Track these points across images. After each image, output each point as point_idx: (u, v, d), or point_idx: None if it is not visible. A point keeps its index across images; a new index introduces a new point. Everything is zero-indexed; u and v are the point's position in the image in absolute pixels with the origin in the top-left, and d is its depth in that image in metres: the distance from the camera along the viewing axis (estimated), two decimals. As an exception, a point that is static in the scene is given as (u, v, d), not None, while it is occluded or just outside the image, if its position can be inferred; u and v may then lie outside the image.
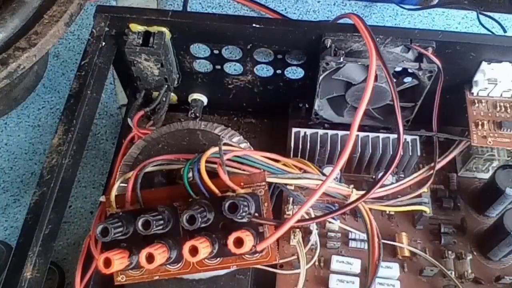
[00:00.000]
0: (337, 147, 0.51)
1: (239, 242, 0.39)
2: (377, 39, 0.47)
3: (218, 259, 0.42)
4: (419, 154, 0.51)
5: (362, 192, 0.46)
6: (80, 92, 0.47)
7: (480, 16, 0.73)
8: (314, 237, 0.49)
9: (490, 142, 0.49)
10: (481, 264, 0.50)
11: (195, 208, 0.40)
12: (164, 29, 0.50)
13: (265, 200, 0.42)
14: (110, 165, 0.58)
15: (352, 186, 0.47)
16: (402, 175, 0.52)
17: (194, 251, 0.39)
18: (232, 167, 0.44)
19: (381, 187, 0.47)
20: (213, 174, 0.43)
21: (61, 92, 0.70)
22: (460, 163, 0.55)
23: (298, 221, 0.42)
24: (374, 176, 0.51)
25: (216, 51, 0.53)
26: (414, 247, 0.50)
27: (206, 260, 0.42)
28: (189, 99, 0.59)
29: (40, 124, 0.67)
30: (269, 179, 0.44)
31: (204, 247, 0.39)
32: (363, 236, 0.50)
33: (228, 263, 0.42)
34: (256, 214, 0.41)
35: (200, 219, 0.39)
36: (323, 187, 0.42)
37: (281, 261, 0.49)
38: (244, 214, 0.39)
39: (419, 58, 0.48)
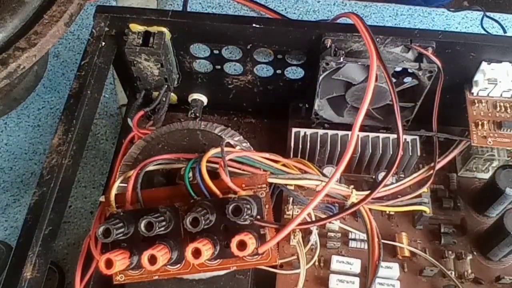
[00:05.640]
0: (337, 147, 0.51)
1: (242, 245, 0.39)
2: (377, 39, 0.47)
3: (219, 260, 0.42)
4: (419, 154, 0.51)
5: (362, 193, 0.46)
6: (80, 92, 0.47)
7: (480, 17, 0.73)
8: (314, 237, 0.49)
9: (490, 142, 0.49)
10: (481, 264, 0.50)
11: (198, 210, 0.40)
12: (164, 29, 0.50)
13: (266, 202, 0.42)
14: (110, 165, 0.58)
15: (352, 186, 0.47)
16: (402, 175, 0.52)
17: (197, 253, 0.39)
18: (233, 167, 0.44)
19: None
20: (213, 174, 0.43)
21: (61, 92, 0.70)
22: (460, 163, 0.55)
23: (300, 224, 0.42)
24: (374, 176, 0.51)
25: (216, 51, 0.53)
26: (414, 247, 0.50)
27: (206, 261, 0.42)
28: (189, 99, 0.59)
29: (40, 124, 0.67)
30: (269, 180, 0.44)
31: (207, 249, 0.39)
32: (363, 236, 0.50)
33: (228, 264, 0.42)
34: (258, 217, 0.41)
35: (203, 222, 0.39)
36: (324, 191, 0.42)
37: (281, 261, 0.49)
38: (247, 216, 0.39)
39: (419, 58, 0.48)
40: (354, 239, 0.51)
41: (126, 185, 0.44)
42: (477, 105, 0.51)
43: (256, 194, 0.42)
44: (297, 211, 0.50)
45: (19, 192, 0.62)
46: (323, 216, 0.48)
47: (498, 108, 0.51)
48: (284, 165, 0.46)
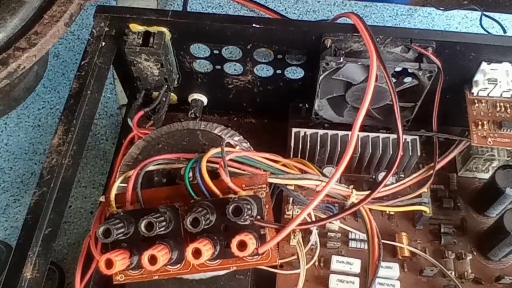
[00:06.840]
0: (337, 147, 0.51)
1: (242, 245, 0.39)
2: (377, 39, 0.47)
3: (219, 260, 0.42)
4: (419, 154, 0.51)
5: (362, 193, 0.46)
6: (80, 92, 0.47)
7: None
8: (314, 237, 0.49)
9: (490, 142, 0.49)
10: (481, 264, 0.50)
11: (198, 210, 0.40)
12: (164, 29, 0.50)
13: (266, 202, 0.42)
14: (110, 165, 0.58)
15: (352, 186, 0.47)
16: (402, 175, 0.52)
17: (197, 253, 0.39)
18: (233, 167, 0.44)
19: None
20: (213, 174, 0.43)
21: (61, 92, 0.70)
22: (460, 163, 0.55)
23: (300, 224, 0.42)
24: (374, 176, 0.51)
25: (216, 51, 0.53)
26: (414, 247, 0.50)
27: (206, 261, 0.42)
28: (189, 99, 0.59)
29: (40, 124, 0.67)
30: (269, 180, 0.44)
31: (207, 249, 0.39)
32: (363, 236, 0.50)
33: (228, 264, 0.42)
34: (258, 217, 0.41)
35: (203, 222, 0.39)
36: (324, 191, 0.42)
37: (281, 261, 0.49)
38: (247, 217, 0.39)
39: (419, 58, 0.48)
40: (354, 239, 0.51)
41: (126, 185, 0.44)
42: (477, 105, 0.51)
43: (256, 194, 0.42)
44: (297, 211, 0.50)
45: (19, 192, 0.62)
46: (323, 216, 0.48)
47: (498, 108, 0.51)
48: (284, 165, 0.46)
